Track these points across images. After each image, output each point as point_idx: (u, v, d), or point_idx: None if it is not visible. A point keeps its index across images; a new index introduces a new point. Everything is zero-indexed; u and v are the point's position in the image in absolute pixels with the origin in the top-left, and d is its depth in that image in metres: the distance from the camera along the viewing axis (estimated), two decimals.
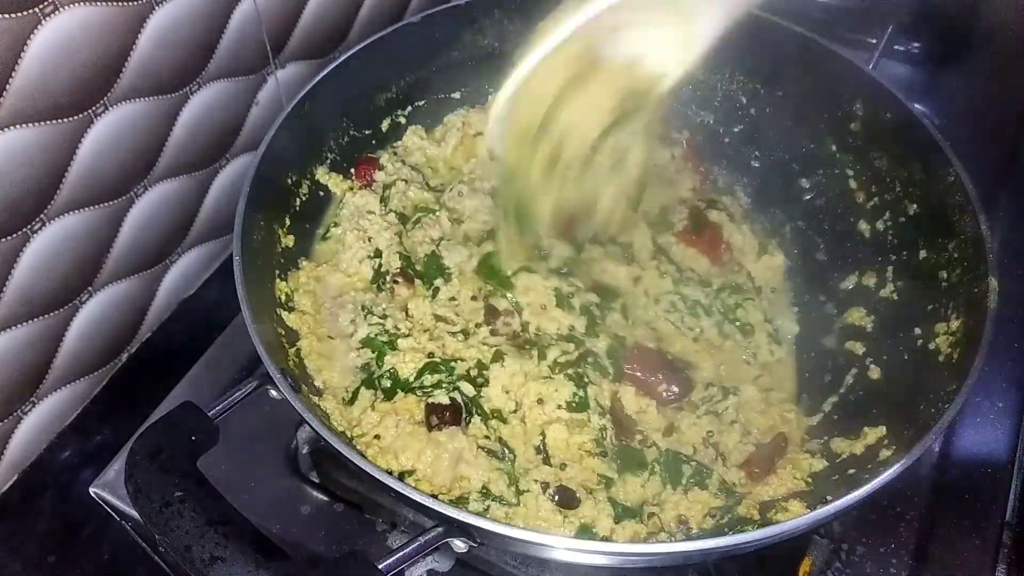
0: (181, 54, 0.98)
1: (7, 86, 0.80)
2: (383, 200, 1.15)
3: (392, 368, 0.97)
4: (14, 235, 0.88)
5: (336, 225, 1.14)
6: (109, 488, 1.00)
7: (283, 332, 0.98)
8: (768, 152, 1.26)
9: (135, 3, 0.89)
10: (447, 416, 0.93)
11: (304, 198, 1.11)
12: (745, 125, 1.28)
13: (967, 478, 1.03)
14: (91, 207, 0.96)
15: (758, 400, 1.04)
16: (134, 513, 0.97)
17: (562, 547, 0.74)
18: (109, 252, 1.01)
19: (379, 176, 1.18)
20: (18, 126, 0.83)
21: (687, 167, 1.28)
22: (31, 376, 0.96)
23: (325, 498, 1.00)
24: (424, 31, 1.17)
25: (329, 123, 1.14)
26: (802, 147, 1.23)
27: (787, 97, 1.24)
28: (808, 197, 1.22)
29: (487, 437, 0.94)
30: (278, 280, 1.02)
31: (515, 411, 0.97)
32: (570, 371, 0.97)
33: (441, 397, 0.94)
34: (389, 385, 0.97)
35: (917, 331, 0.98)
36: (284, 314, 1.00)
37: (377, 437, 0.92)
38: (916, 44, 1.53)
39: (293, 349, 0.98)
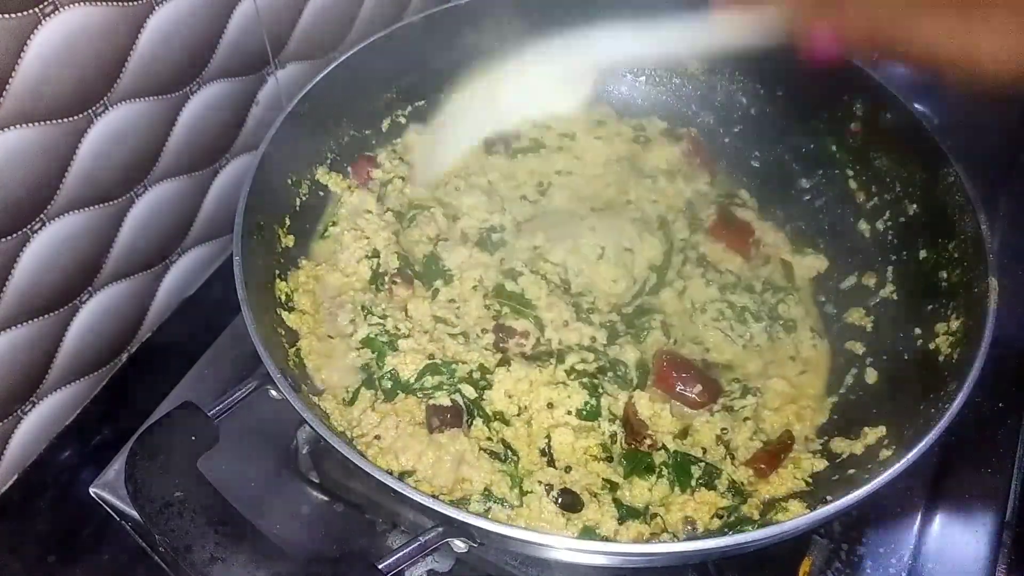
0: (181, 54, 0.98)
1: (7, 86, 0.80)
2: (380, 198, 1.14)
3: (393, 369, 0.97)
4: (14, 235, 0.88)
5: (334, 224, 1.13)
6: (109, 488, 1.00)
7: (283, 332, 0.98)
8: (768, 152, 1.26)
9: (135, 3, 0.89)
10: (448, 418, 0.93)
11: (304, 198, 1.11)
12: (745, 125, 1.29)
13: (967, 478, 1.03)
14: (91, 207, 0.96)
15: (784, 396, 1.02)
16: (134, 513, 0.96)
17: (561, 547, 0.74)
18: (109, 252, 1.01)
19: (376, 174, 1.17)
20: (18, 126, 0.83)
21: (696, 161, 1.28)
22: (31, 376, 0.96)
23: (325, 498, 1.00)
24: (424, 31, 1.17)
25: (329, 123, 1.14)
26: (802, 147, 1.23)
27: (787, 97, 1.24)
28: (808, 197, 1.22)
29: (489, 439, 0.93)
30: (278, 280, 1.02)
31: (519, 414, 0.96)
32: (585, 380, 0.96)
33: (442, 399, 0.94)
34: (390, 386, 0.97)
35: (917, 331, 0.99)
36: (284, 314, 1.00)
37: (377, 438, 0.92)
38: None
39: (293, 349, 0.97)
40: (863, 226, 1.16)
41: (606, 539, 0.86)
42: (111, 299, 1.03)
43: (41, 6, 0.80)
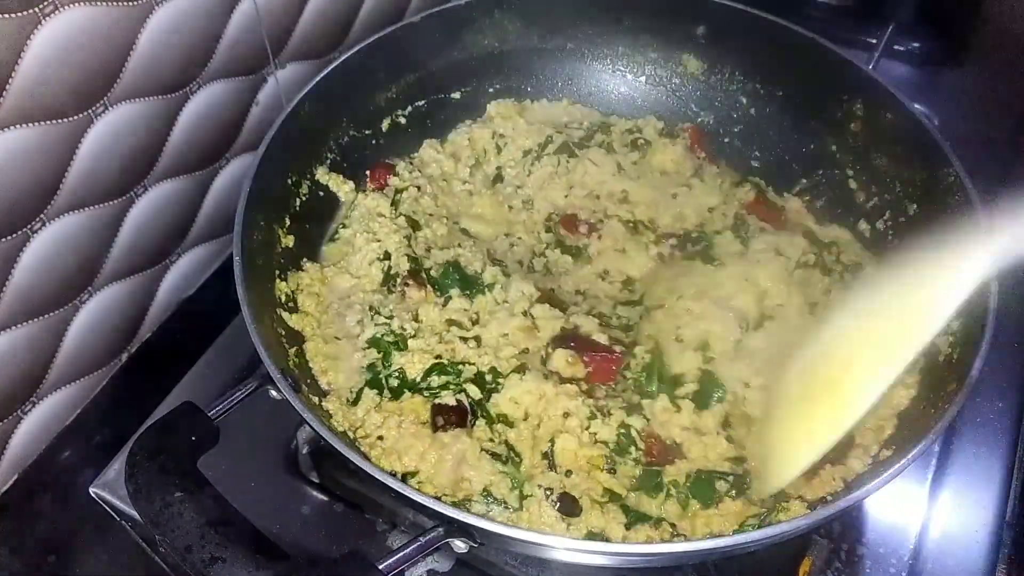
0: (181, 54, 0.98)
1: (7, 86, 0.80)
2: (394, 203, 1.14)
3: (400, 368, 0.97)
4: (14, 235, 0.88)
5: (345, 227, 1.13)
6: (109, 488, 1.00)
7: (283, 332, 0.98)
8: (768, 152, 1.26)
9: (135, 3, 0.89)
10: (453, 417, 0.93)
11: (304, 198, 1.11)
12: (745, 125, 1.29)
13: (967, 478, 1.03)
14: (91, 207, 0.95)
15: None
16: (134, 513, 0.96)
17: (561, 547, 0.74)
18: (109, 252, 1.01)
19: (393, 181, 1.17)
20: (18, 126, 0.83)
21: (701, 155, 1.28)
22: (31, 376, 0.96)
23: (325, 498, 1.00)
24: (424, 31, 1.17)
25: (329, 123, 1.14)
26: (802, 147, 1.23)
27: (787, 97, 1.24)
28: (808, 197, 1.22)
29: (491, 440, 0.93)
30: (278, 280, 1.02)
31: (526, 419, 0.95)
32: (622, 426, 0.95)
33: (448, 398, 0.94)
34: (397, 384, 0.97)
35: None
36: (284, 314, 1.00)
37: (380, 438, 0.92)
38: (916, 44, 1.53)
39: (294, 349, 0.97)
40: (863, 226, 1.16)
41: (606, 539, 0.86)
42: (111, 299, 1.03)
43: (41, 6, 0.80)
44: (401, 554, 0.73)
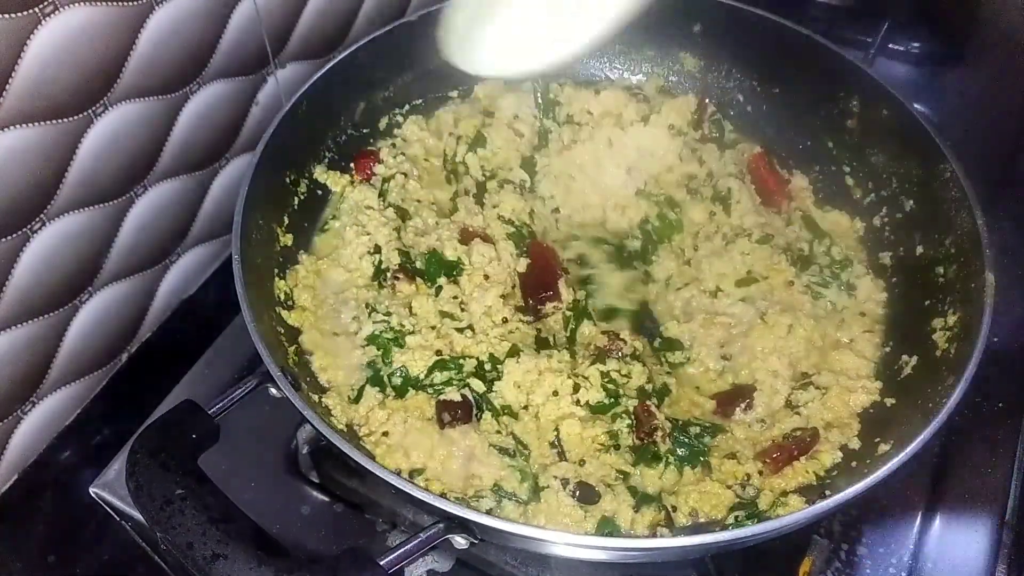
0: (181, 54, 0.98)
1: (7, 86, 0.80)
2: (382, 194, 1.14)
3: (402, 366, 0.97)
4: (14, 235, 0.88)
5: (335, 218, 1.13)
6: (109, 488, 1.00)
7: (283, 331, 0.98)
8: (764, 149, 1.26)
9: (135, 3, 0.90)
10: (459, 413, 0.93)
11: (302, 197, 1.11)
12: (742, 122, 1.29)
13: (967, 478, 1.03)
14: (91, 207, 0.96)
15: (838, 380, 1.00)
16: (134, 513, 0.97)
17: (561, 542, 0.75)
18: (109, 252, 1.01)
19: (379, 169, 1.17)
20: (18, 126, 0.83)
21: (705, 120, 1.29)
22: (31, 376, 0.96)
23: (325, 498, 1.00)
24: (421, 30, 1.17)
25: (327, 122, 1.14)
26: (799, 144, 1.24)
27: (784, 94, 1.25)
28: (804, 194, 1.22)
29: (499, 433, 0.93)
30: (277, 279, 1.02)
31: (526, 407, 0.96)
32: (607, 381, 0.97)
33: (452, 394, 0.94)
34: (400, 383, 0.97)
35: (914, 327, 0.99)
36: (284, 313, 1.00)
37: (386, 435, 0.92)
38: (916, 44, 1.53)
39: (293, 348, 0.97)
40: (859, 223, 1.16)
41: (618, 530, 0.86)
42: (111, 299, 1.03)
43: (41, 6, 0.80)
44: (401, 550, 0.73)
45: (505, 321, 1.03)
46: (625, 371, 0.98)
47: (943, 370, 0.89)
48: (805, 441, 0.94)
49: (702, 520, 0.89)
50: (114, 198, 0.98)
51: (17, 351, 0.93)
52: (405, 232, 1.11)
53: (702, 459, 0.94)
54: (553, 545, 0.76)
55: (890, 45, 1.49)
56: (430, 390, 0.96)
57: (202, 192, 1.13)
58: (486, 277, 1.05)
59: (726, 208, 1.17)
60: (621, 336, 1.02)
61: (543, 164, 1.21)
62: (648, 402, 0.96)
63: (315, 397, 0.94)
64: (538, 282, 1.07)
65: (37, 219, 0.90)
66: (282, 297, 1.02)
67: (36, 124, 0.85)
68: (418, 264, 1.08)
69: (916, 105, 1.09)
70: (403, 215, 1.13)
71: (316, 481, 1.03)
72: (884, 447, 0.88)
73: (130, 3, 0.89)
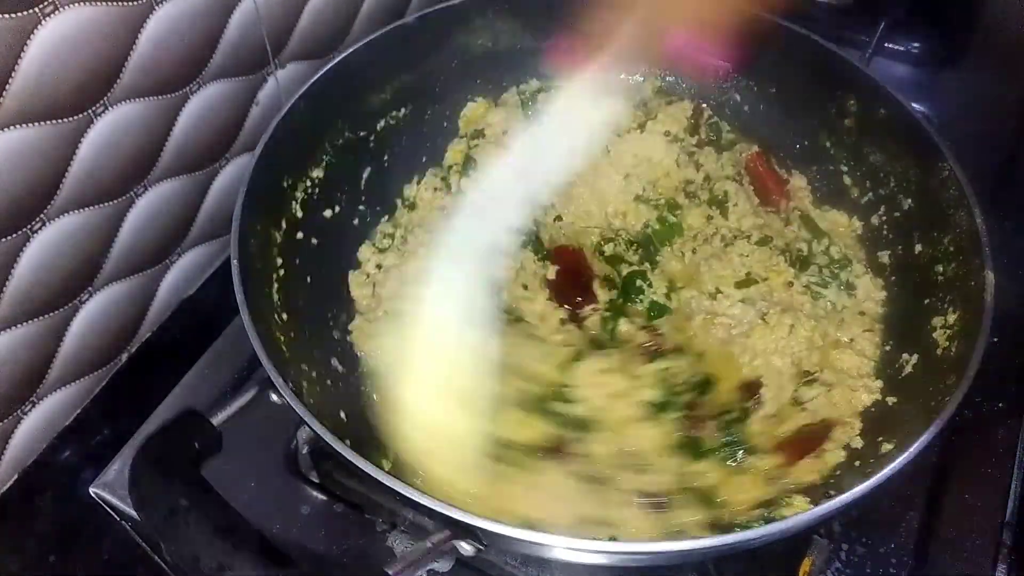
0: (181, 54, 0.98)
1: (7, 86, 0.80)
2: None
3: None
4: (14, 235, 0.88)
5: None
6: (109, 488, 1.00)
7: (283, 338, 0.97)
8: (762, 149, 1.26)
9: (135, 3, 0.90)
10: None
11: (301, 201, 1.10)
12: (738, 121, 1.29)
13: (967, 478, 1.03)
14: (91, 207, 0.96)
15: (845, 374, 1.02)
16: (134, 513, 0.97)
17: (563, 546, 0.74)
18: (109, 252, 1.01)
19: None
20: (18, 126, 0.83)
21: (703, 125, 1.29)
22: (31, 376, 0.96)
23: (325, 498, 1.00)
24: (418, 32, 1.17)
25: (324, 126, 1.13)
26: (796, 143, 1.24)
27: (780, 93, 1.25)
28: (802, 194, 1.22)
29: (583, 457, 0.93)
30: (276, 284, 1.02)
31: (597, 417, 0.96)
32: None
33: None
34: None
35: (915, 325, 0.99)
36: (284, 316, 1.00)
37: None
38: (914, 44, 1.53)
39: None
40: (857, 222, 1.16)
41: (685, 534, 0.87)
42: (111, 299, 1.03)
43: (41, 6, 0.80)
44: (409, 559, 0.73)
45: (563, 323, 1.03)
46: (675, 367, 0.99)
47: (944, 369, 0.89)
48: (819, 433, 0.94)
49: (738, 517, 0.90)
50: (114, 198, 0.98)
51: (17, 351, 0.93)
52: None
53: (741, 450, 0.95)
54: (557, 550, 0.76)
55: (887, 45, 1.49)
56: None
57: (202, 192, 1.13)
58: (525, 287, 1.05)
59: (723, 211, 1.17)
60: (659, 331, 1.02)
61: None
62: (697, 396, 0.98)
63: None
64: (572, 286, 1.07)
65: (37, 219, 0.89)
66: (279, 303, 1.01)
67: (36, 124, 0.85)
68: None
69: (917, 105, 1.09)
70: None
71: (316, 481, 1.02)
72: (887, 446, 0.88)
73: (130, 3, 0.89)
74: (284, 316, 0.99)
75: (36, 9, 0.80)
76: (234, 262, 0.89)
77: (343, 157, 1.16)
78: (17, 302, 0.91)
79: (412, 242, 1.13)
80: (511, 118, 1.23)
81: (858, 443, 0.93)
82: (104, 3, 0.86)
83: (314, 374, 0.97)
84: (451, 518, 0.73)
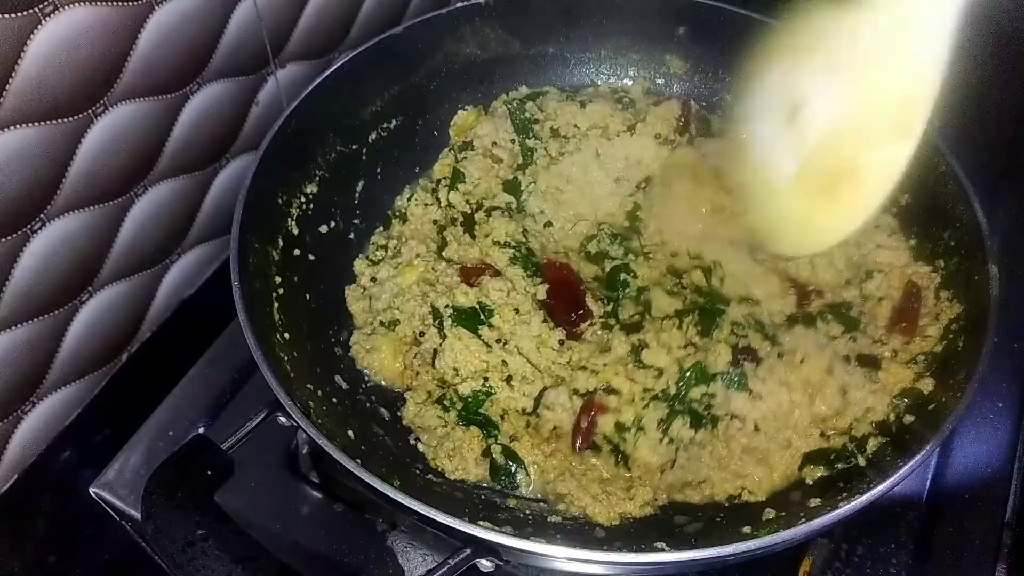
0: (181, 54, 0.98)
1: (7, 86, 0.80)
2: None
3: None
4: (14, 235, 0.88)
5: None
6: (109, 488, 1.00)
7: (285, 357, 0.95)
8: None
9: (135, 3, 0.90)
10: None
11: (296, 217, 1.08)
12: (725, 121, 1.28)
13: (967, 478, 1.03)
14: (91, 207, 0.96)
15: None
16: (134, 513, 0.97)
17: (587, 559, 0.74)
18: (109, 252, 1.01)
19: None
20: (18, 126, 0.83)
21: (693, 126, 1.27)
22: (31, 376, 0.96)
23: (325, 499, 1.00)
24: (407, 42, 1.17)
25: (316, 142, 1.12)
26: None
27: None
28: None
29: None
30: (276, 304, 1.01)
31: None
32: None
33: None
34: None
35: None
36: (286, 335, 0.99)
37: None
38: None
39: None
40: None
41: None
42: (111, 299, 1.03)
43: (41, 6, 0.80)
44: None
45: (562, 343, 1.02)
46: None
47: (952, 364, 0.89)
48: (914, 299, 0.98)
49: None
50: (114, 198, 0.98)
51: (17, 351, 0.93)
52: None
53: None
54: (576, 564, 0.76)
55: None
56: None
57: (202, 192, 1.13)
58: (516, 311, 1.03)
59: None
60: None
61: (528, 182, 1.19)
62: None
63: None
64: (565, 303, 1.05)
65: (37, 219, 0.90)
66: (280, 322, 1.00)
67: (36, 124, 0.85)
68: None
69: None
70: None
71: (316, 481, 1.03)
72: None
73: (130, 3, 0.89)
74: (286, 335, 0.98)
75: (36, 9, 0.80)
76: (235, 284, 0.88)
77: (337, 171, 1.15)
78: (17, 302, 0.91)
79: (406, 254, 1.12)
80: (499, 128, 1.22)
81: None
82: (104, 3, 0.86)
83: (319, 393, 0.96)
84: (474, 536, 0.73)
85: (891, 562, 0.95)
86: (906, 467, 0.77)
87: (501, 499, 0.94)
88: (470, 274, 1.06)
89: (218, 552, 0.68)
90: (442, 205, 1.18)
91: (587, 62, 1.33)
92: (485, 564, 0.76)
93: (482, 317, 1.02)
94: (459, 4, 1.22)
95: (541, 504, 0.95)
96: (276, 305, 1.00)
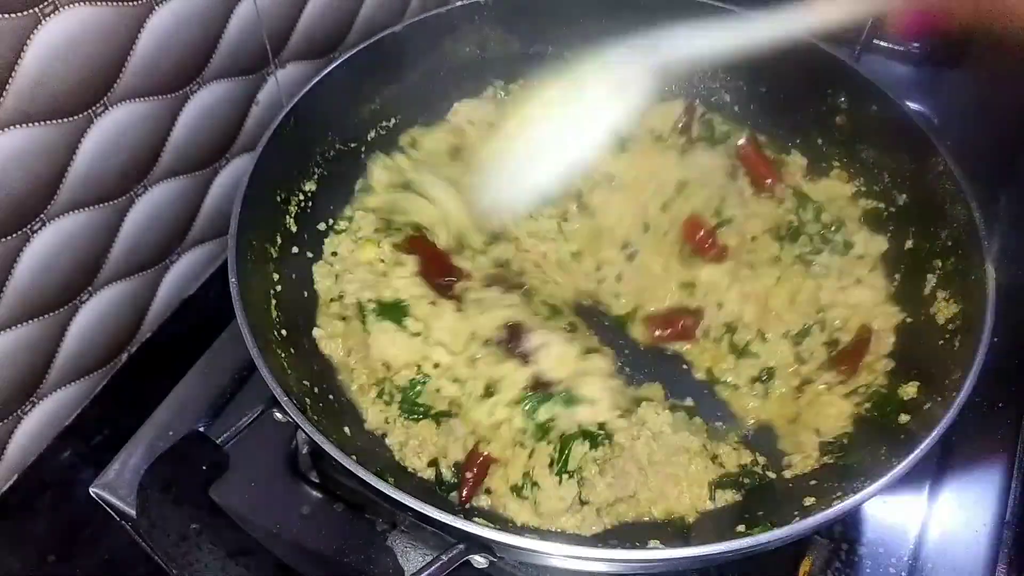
0: (181, 54, 0.99)
1: (7, 86, 0.80)
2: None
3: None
4: (14, 235, 0.88)
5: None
6: (109, 488, 1.00)
7: (284, 355, 0.96)
8: (749, 134, 1.25)
9: (135, 3, 0.90)
10: None
11: (294, 215, 1.09)
12: (730, 122, 1.28)
13: (967, 478, 1.03)
14: (91, 207, 0.96)
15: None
16: (134, 513, 0.97)
17: (580, 556, 0.74)
18: (109, 252, 1.01)
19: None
20: (18, 126, 0.83)
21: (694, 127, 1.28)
22: (31, 376, 0.96)
23: (325, 498, 1.00)
24: (406, 41, 1.17)
25: (314, 140, 1.13)
26: (788, 142, 1.24)
27: (771, 93, 1.25)
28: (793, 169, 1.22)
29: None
30: (274, 301, 1.01)
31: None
32: None
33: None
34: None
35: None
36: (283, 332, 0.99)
37: None
38: (916, 44, 1.52)
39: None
40: (850, 188, 1.16)
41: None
42: (111, 299, 1.03)
43: (41, 6, 0.80)
44: (425, 574, 0.72)
45: (486, 344, 1.01)
46: None
47: (948, 364, 0.89)
48: (862, 340, 1.00)
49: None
50: (114, 198, 0.98)
51: (17, 351, 0.93)
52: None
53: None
54: (583, 562, 0.76)
55: (885, 44, 1.49)
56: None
57: (202, 192, 1.13)
58: (433, 303, 1.03)
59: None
60: None
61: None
62: None
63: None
64: (436, 269, 1.07)
65: (37, 219, 0.90)
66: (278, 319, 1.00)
67: (36, 124, 0.85)
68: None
69: (917, 105, 1.09)
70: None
71: (316, 481, 1.03)
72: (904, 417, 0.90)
73: (130, 3, 0.89)
74: (284, 332, 0.98)
75: (36, 9, 0.80)
76: (232, 281, 0.89)
77: (335, 169, 1.15)
78: (17, 302, 0.91)
79: (365, 228, 1.13)
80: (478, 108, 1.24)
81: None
82: (104, 3, 0.86)
83: (316, 390, 0.97)
84: (468, 532, 0.73)
85: (891, 562, 0.96)
86: (900, 466, 0.77)
87: None
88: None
89: (212, 546, 0.68)
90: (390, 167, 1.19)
91: (586, 61, 1.33)
92: (479, 560, 0.76)
93: (404, 312, 1.03)
94: (458, 3, 1.22)
95: None
96: (274, 302, 1.00)
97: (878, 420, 0.93)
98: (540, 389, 0.96)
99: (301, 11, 1.15)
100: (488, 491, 0.92)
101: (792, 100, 1.22)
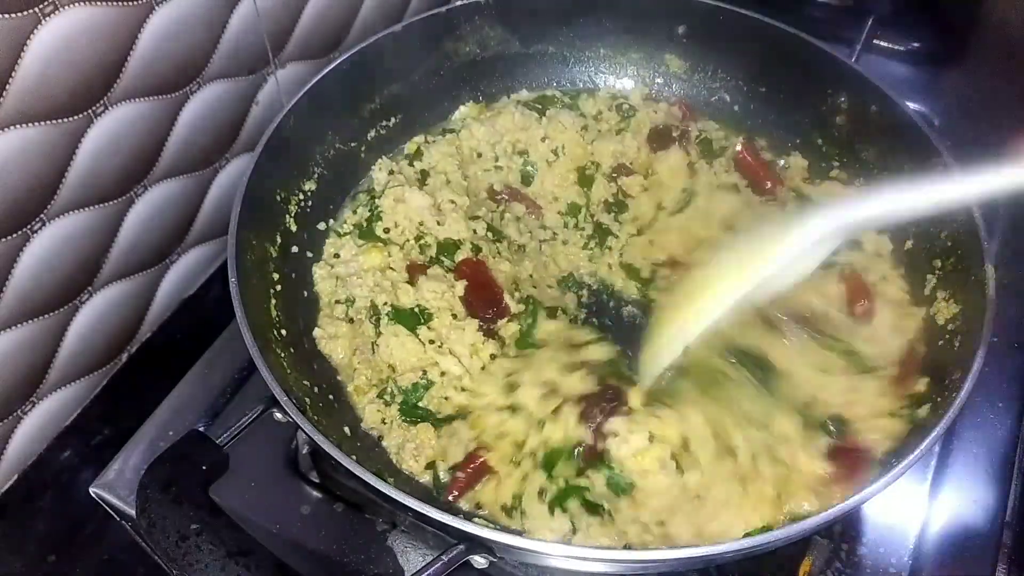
0: (181, 54, 0.99)
1: (7, 86, 0.80)
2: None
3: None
4: (14, 235, 0.88)
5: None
6: (109, 488, 1.00)
7: (283, 354, 0.96)
8: (744, 137, 1.25)
9: (135, 3, 0.90)
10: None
11: (293, 214, 1.09)
12: (729, 122, 1.29)
13: (967, 478, 1.03)
14: (91, 207, 0.96)
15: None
16: (134, 513, 0.97)
17: (579, 556, 0.74)
18: (109, 252, 1.01)
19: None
20: (18, 126, 0.83)
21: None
22: (31, 376, 0.96)
23: (325, 498, 1.00)
24: (405, 40, 1.17)
25: (314, 140, 1.13)
26: (787, 142, 1.24)
27: (771, 93, 1.25)
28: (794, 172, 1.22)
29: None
30: (273, 300, 1.01)
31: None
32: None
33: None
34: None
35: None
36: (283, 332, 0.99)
37: None
38: (914, 44, 1.52)
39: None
40: (851, 190, 1.16)
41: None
42: (111, 299, 1.03)
43: (41, 6, 0.80)
44: (425, 575, 0.72)
45: (493, 358, 1.01)
46: None
47: (949, 364, 0.89)
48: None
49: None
50: (114, 198, 0.98)
51: (17, 351, 0.93)
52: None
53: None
54: (582, 562, 0.76)
55: (885, 44, 1.49)
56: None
57: (202, 192, 1.13)
58: (455, 316, 1.02)
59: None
60: None
61: None
62: None
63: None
64: (483, 300, 1.04)
65: (37, 219, 0.90)
66: (278, 319, 1.00)
67: (36, 124, 0.85)
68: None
69: (917, 105, 1.09)
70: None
71: (316, 481, 1.02)
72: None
73: (130, 3, 0.89)
74: (283, 332, 0.98)
75: (36, 9, 0.80)
76: (232, 280, 0.89)
77: (335, 169, 1.15)
78: (17, 302, 0.91)
79: (378, 231, 1.12)
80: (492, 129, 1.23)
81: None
82: (104, 3, 0.86)
83: (316, 390, 0.97)
84: (468, 532, 0.73)
85: (891, 562, 0.95)
86: (900, 466, 0.77)
87: None
88: (415, 272, 1.06)
89: (212, 546, 0.68)
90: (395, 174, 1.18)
91: (586, 61, 1.33)
92: (479, 560, 0.76)
93: (421, 320, 1.02)
94: (458, 3, 1.22)
95: None
96: (274, 302, 1.00)
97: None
98: (591, 455, 0.92)
99: (301, 11, 1.15)
100: (479, 505, 0.91)
101: (792, 100, 1.22)
